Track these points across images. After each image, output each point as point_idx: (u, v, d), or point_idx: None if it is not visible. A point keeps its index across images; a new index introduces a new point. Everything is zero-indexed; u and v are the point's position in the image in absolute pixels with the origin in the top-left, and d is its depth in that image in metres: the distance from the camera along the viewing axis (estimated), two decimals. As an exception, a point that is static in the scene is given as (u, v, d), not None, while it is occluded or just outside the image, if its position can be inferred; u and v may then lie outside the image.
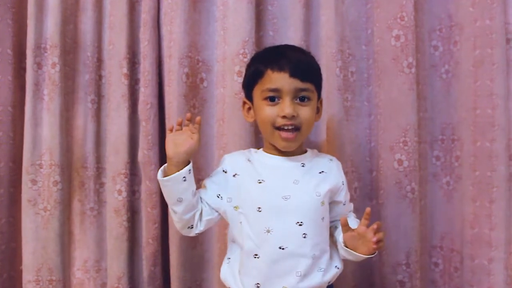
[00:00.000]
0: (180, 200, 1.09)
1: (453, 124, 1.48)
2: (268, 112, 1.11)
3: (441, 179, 1.50)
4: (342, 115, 1.45)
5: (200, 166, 1.50)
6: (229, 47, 1.45)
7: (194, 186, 1.12)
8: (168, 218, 1.50)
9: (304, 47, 1.46)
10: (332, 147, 1.43)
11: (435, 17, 1.49)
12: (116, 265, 1.54)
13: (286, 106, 1.09)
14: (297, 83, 1.09)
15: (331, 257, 1.14)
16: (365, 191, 1.51)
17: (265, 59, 1.15)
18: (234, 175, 1.15)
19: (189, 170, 1.09)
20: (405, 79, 1.40)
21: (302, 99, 1.11)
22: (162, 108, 1.55)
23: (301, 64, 1.12)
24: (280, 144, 1.13)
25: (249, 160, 1.17)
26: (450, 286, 1.49)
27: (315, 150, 1.24)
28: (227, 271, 1.16)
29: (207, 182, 1.17)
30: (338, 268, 1.14)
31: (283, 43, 1.46)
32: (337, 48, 1.44)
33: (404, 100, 1.41)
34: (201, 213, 1.14)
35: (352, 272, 1.47)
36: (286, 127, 1.10)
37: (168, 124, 1.51)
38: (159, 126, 1.54)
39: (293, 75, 1.09)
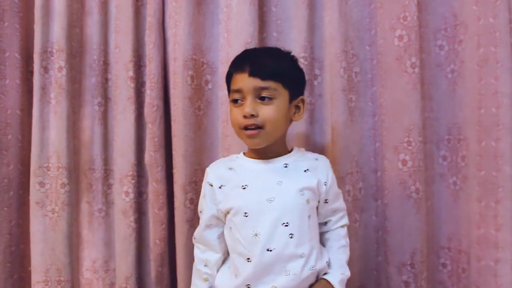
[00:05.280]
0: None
1: (459, 123, 1.46)
2: (234, 113, 1.13)
3: (447, 179, 1.48)
4: (346, 116, 1.45)
5: (205, 168, 1.49)
6: (232, 49, 1.45)
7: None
8: (175, 219, 1.51)
9: (308, 48, 1.48)
10: (336, 148, 1.43)
11: (440, 17, 1.48)
12: (124, 266, 1.56)
13: (246, 106, 1.09)
14: (257, 82, 1.09)
15: (321, 254, 1.14)
16: (370, 191, 1.51)
17: (232, 63, 1.18)
18: (220, 187, 1.16)
19: None
20: (408, 79, 1.40)
21: (263, 98, 1.10)
22: (168, 110, 1.56)
23: (261, 64, 1.11)
24: (247, 143, 1.14)
25: (230, 169, 1.18)
26: (458, 287, 1.47)
27: (302, 149, 1.24)
28: (221, 279, 1.18)
29: (204, 205, 1.20)
30: (327, 263, 1.15)
31: (287, 44, 1.48)
32: (341, 48, 1.44)
33: (407, 100, 1.40)
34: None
35: (358, 272, 1.47)
36: (249, 128, 1.10)
37: (173, 126, 1.52)
38: (165, 128, 1.56)
39: (252, 74, 1.09)
